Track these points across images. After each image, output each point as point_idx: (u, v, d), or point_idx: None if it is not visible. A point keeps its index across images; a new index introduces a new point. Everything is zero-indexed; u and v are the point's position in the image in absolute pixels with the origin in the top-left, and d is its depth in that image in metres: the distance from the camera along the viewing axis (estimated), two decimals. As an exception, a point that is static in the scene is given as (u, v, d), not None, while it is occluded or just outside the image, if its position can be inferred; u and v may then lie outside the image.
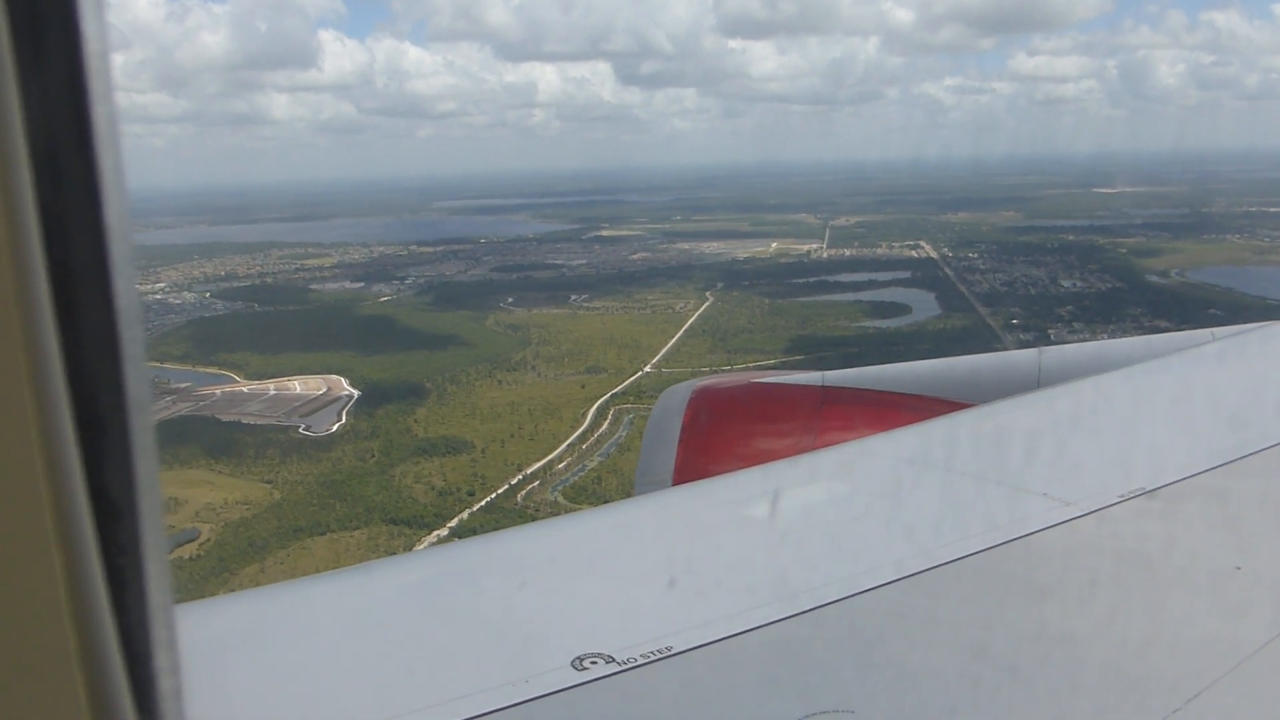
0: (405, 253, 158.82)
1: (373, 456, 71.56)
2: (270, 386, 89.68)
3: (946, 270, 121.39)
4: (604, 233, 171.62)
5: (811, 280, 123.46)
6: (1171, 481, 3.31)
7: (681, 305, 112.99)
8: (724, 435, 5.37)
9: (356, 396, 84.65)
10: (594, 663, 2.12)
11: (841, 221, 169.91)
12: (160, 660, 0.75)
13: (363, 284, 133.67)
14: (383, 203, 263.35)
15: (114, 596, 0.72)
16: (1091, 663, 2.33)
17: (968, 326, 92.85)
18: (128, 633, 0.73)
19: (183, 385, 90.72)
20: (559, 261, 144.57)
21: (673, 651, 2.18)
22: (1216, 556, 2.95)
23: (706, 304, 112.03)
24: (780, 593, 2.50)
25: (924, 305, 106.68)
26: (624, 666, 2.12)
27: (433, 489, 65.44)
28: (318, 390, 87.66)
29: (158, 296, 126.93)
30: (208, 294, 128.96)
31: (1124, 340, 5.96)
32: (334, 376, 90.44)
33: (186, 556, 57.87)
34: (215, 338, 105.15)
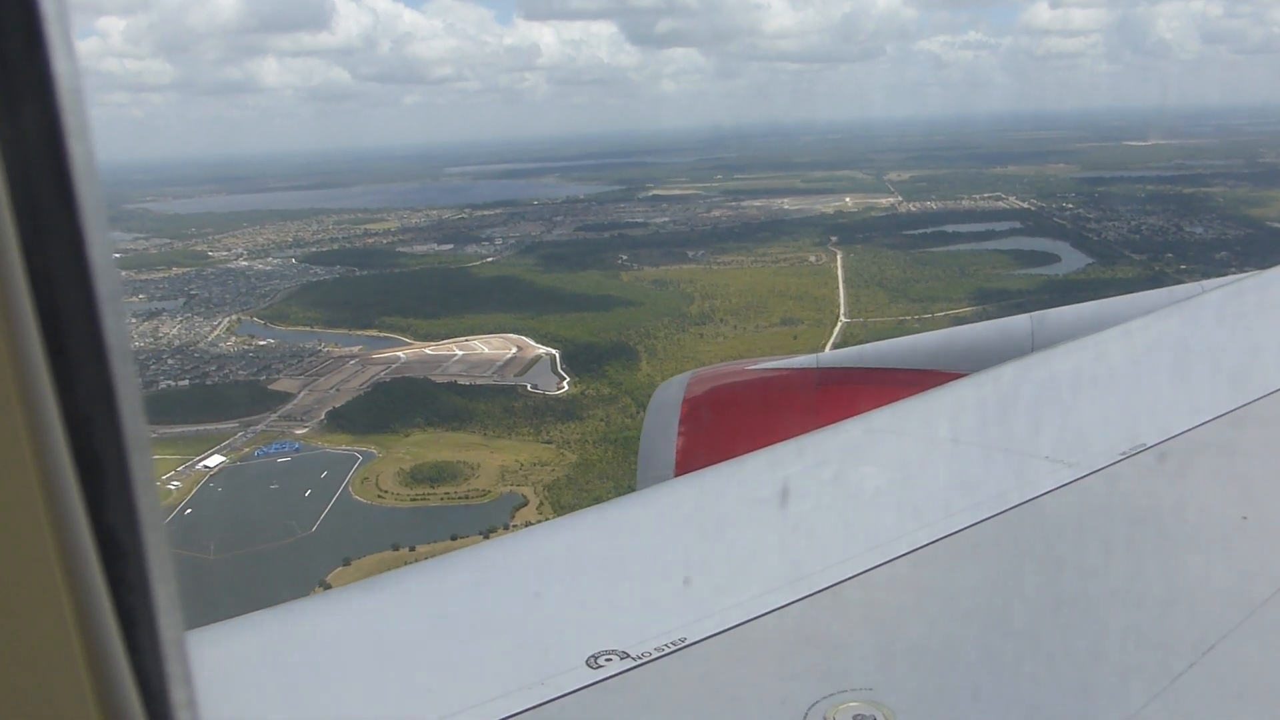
0: (465, 215, 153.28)
1: (639, 413, 67.92)
2: (455, 348, 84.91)
3: (1060, 220, 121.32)
4: (657, 192, 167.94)
5: (928, 231, 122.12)
6: (1172, 435, 3.30)
7: (814, 258, 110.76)
8: (722, 424, 5.35)
9: (558, 356, 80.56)
10: (609, 660, 2.11)
11: (893, 177, 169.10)
12: (177, 695, 0.75)
13: (452, 246, 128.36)
14: (392, 170, 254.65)
15: (126, 635, 0.71)
16: (1105, 621, 2.35)
17: (1141, 275, 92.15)
18: (142, 670, 0.73)
19: (354, 349, 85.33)
20: (639, 219, 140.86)
21: (687, 642, 2.18)
22: (1222, 507, 2.95)
23: (839, 256, 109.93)
24: (790, 575, 2.47)
25: (1065, 254, 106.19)
26: (639, 661, 2.11)
27: (737, 442, 62.31)
28: (508, 351, 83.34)
29: (243, 264, 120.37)
30: (293, 260, 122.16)
31: (1114, 299, 5.89)
32: (513, 336, 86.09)
33: (532, 520, 54.00)
34: (348, 302, 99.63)
